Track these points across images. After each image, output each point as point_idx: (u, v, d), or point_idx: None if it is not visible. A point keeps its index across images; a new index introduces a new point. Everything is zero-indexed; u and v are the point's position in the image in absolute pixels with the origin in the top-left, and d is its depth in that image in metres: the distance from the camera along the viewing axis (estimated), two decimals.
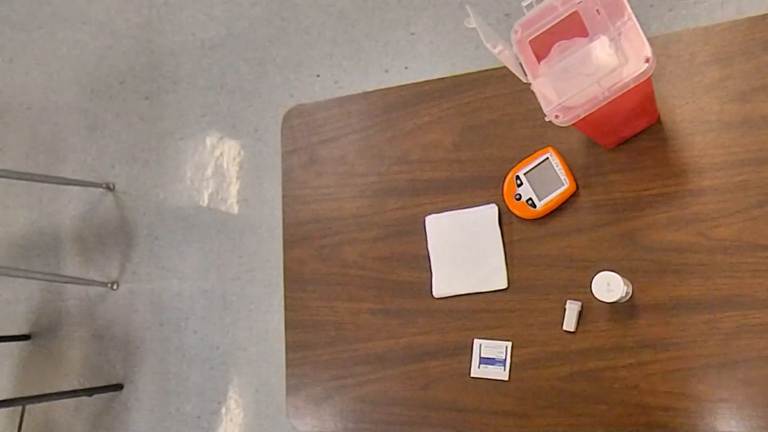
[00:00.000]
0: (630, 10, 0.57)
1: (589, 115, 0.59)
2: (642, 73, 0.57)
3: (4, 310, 2.44)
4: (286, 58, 2.07)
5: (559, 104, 0.60)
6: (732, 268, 0.69)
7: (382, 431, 0.86)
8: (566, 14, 0.59)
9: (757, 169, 0.69)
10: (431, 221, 0.85)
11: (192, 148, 2.20)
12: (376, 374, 0.86)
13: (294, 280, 0.95)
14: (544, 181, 0.77)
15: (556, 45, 0.61)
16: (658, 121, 0.74)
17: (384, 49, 1.93)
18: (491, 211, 0.81)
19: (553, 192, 0.77)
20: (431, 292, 0.84)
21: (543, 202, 0.77)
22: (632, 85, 0.58)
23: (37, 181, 2.26)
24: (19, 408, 2.09)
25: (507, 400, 0.78)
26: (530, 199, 0.77)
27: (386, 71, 1.92)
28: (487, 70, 0.84)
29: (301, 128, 0.97)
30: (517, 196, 0.78)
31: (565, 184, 0.76)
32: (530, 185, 0.78)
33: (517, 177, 0.78)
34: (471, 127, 0.85)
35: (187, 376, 2.01)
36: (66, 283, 2.30)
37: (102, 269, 2.29)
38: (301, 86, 2.03)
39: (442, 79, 0.88)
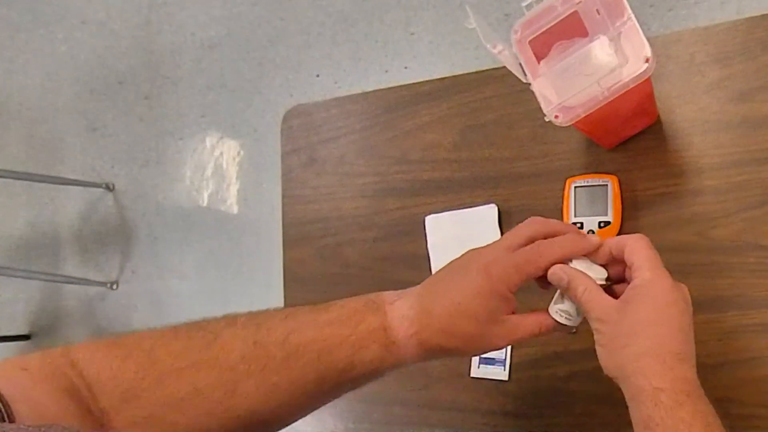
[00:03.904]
0: (630, 10, 0.58)
1: (589, 115, 0.60)
2: (642, 73, 0.57)
3: (4, 310, 2.44)
4: (286, 58, 2.07)
5: (559, 104, 0.60)
6: (732, 268, 0.69)
7: (382, 431, 0.86)
8: (566, 14, 0.59)
9: (757, 169, 0.69)
10: (431, 221, 0.85)
11: (192, 148, 2.20)
12: None
13: (294, 280, 0.95)
14: (589, 203, 0.75)
15: (556, 45, 0.61)
16: (658, 121, 0.74)
17: (384, 49, 1.93)
18: (491, 211, 0.81)
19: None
20: None
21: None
22: (632, 85, 0.58)
23: (36, 181, 2.26)
24: None
25: (507, 400, 0.78)
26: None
27: (386, 71, 1.92)
28: (487, 70, 0.84)
29: (300, 128, 0.97)
30: None
31: (608, 219, 0.73)
32: (574, 200, 0.76)
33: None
34: (471, 127, 0.85)
35: None
36: (66, 283, 2.30)
37: (102, 269, 2.29)
38: (300, 86, 2.03)
39: (442, 79, 0.87)
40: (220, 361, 0.51)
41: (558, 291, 0.57)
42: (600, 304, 0.53)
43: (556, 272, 0.55)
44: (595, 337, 0.54)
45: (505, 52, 0.58)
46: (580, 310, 0.56)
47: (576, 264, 0.55)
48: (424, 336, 0.54)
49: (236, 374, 0.50)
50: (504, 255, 0.55)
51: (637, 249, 0.53)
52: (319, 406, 0.56)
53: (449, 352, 0.55)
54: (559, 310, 0.57)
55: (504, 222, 0.81)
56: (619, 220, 0.73)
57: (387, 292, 0.57)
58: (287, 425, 0.55)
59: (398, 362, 0.55)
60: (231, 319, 0.54)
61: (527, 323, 0.57)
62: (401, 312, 0.55)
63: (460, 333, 0.54)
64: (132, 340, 0.52)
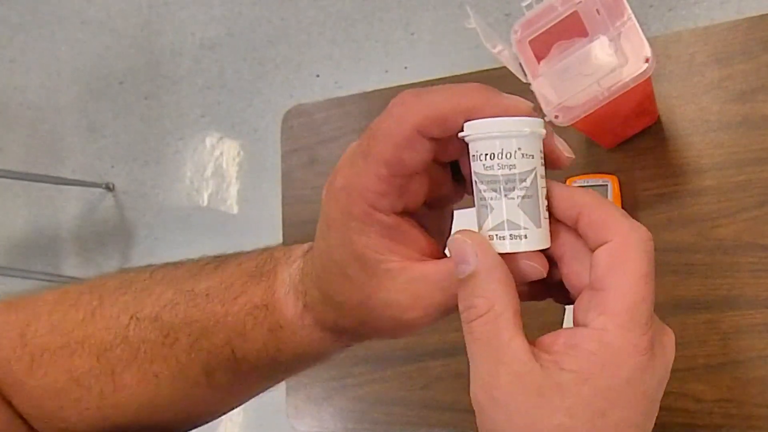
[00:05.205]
0: (630, 10, 0.57)
1: (589, 115, 0.59)
2: (642, 73, 0.57)
3: None
4: (286, 58, 2.07)
5: (559, 104, 0.60)
6: (732, 268, 0.69)
7: (382, 431, 0.86)
8: (566, 14, 0.59)
9: (758, 169, 0.69)
10: None
11: (192, 148, 2.20)
12: (376, 374, 0.86)
13: None
14: None
15: (555, 45, 0.61)
16: (658, 121, 0.74)
17: (384, 50, 1.93)
18: None
19: None
20: None
21: None
22: (632, 85, 0.58)
23: (36, 181, 2.26)
24: None
25: None
26: None
27: (386, 71, 1.92)
28: (487, 70, 0.84)
29: (301, 128, 0.97)
30: None
31: None
32: None
33: None
34: None
35: None
36: (66, 283, 2.30)
37: (102, 269, 2.29)
38: (301, 86, 2.03)
39: (442, 79, 0.87)
40: (94, 342, 0.38)
41: (476, 206, 0.32)
42: (515, 354, 0.28)
43: (457, 240, 0.30)
44: (478, 406, 0.29)
45: (505, 52, 0.58)
46: (539, 211, 0.32)
47: (487, 124, 0.31)
48: (316, 312, 0.35)
49: (111, 361, 0.37)
50: (354, 146, 0.33)
51: (625, 268, 0.30)
52: (239, 401, 0.41)
53: (356, 334, 0.35)
54: (497, 234, 0.31)
55: None
56: None
57: (303, 245, 0.38)
58: (210, 419, 0.42)
59: (306, 350, 0.36)
60: (133, 277, 0.41)
61: (441, 270, 0.30)
62: (290, 276, 0.36)
63: (339, 300, 0.33)
64: (17, 302, 0.41)
